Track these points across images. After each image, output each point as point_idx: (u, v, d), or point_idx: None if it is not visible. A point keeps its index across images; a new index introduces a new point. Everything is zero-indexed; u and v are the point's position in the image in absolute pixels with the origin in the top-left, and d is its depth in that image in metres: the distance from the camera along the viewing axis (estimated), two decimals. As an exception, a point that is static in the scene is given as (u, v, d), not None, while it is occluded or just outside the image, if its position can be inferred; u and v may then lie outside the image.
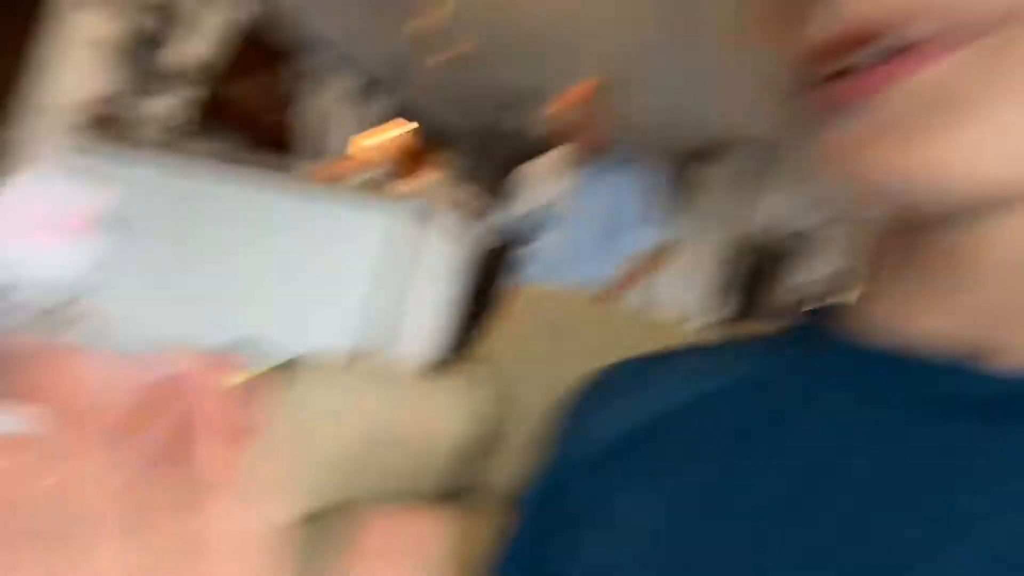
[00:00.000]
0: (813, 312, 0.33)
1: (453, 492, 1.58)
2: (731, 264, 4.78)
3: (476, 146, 5.36)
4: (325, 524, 1.15)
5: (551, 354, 1.66)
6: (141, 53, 3.25)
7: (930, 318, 0.26)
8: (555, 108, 2.49)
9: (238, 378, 0.22)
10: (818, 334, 0.31)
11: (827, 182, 0.26)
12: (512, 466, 1.56)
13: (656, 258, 2.48)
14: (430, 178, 2.93)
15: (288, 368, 1.19)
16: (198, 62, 3.55)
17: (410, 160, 3.03)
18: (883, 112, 0.23)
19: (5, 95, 3.03)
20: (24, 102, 3.04)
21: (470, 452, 1.59)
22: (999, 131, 0.22)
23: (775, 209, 4.51)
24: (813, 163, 0.26)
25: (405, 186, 2.80)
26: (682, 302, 4.42)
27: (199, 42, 3.53)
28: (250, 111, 4.29)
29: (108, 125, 2.94)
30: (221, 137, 3.61)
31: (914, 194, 0.23)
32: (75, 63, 3.04)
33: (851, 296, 0.32)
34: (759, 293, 4.71)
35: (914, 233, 0.27)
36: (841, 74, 0.24)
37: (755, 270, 4.79)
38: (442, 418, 1.55)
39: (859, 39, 0.23)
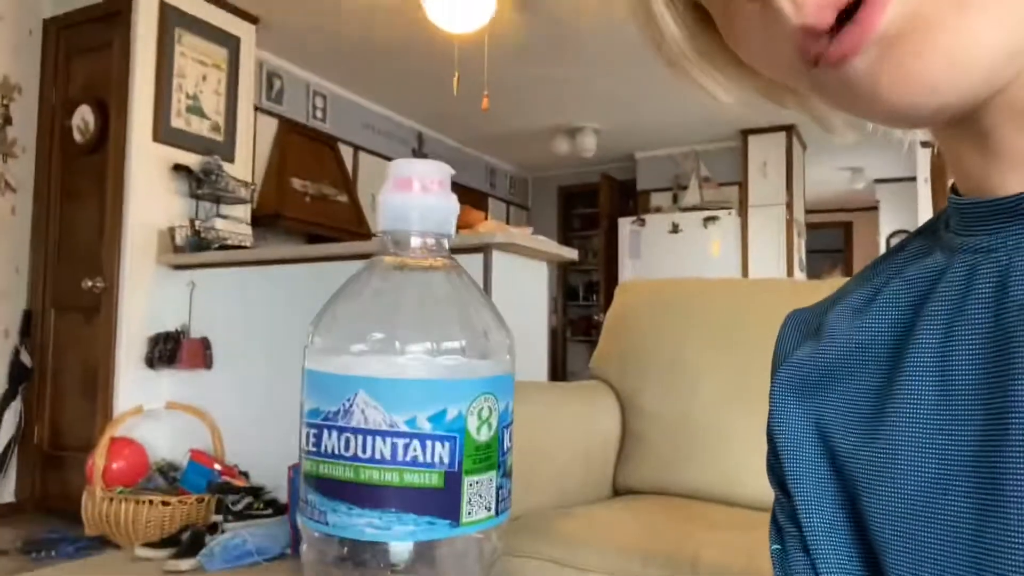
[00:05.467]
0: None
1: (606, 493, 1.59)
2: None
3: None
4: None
5: (664, 341, 1.71)
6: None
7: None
8: None
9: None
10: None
11: (875, 112, 0.29)
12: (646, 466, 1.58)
13: None
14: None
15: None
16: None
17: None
18: (894, 27, 0.26)
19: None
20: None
21: (613, 450, 1.61)
22: (1001, 13, 0.25)
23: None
24: (857, 102, 0.29)
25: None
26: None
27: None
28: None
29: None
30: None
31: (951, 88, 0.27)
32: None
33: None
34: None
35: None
36: (836, 29, 0.27)
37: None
38: (596, 420, 1.59)
39: None
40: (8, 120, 3.56)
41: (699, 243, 5.97)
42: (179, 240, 3.49)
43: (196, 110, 3.72)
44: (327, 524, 0.27)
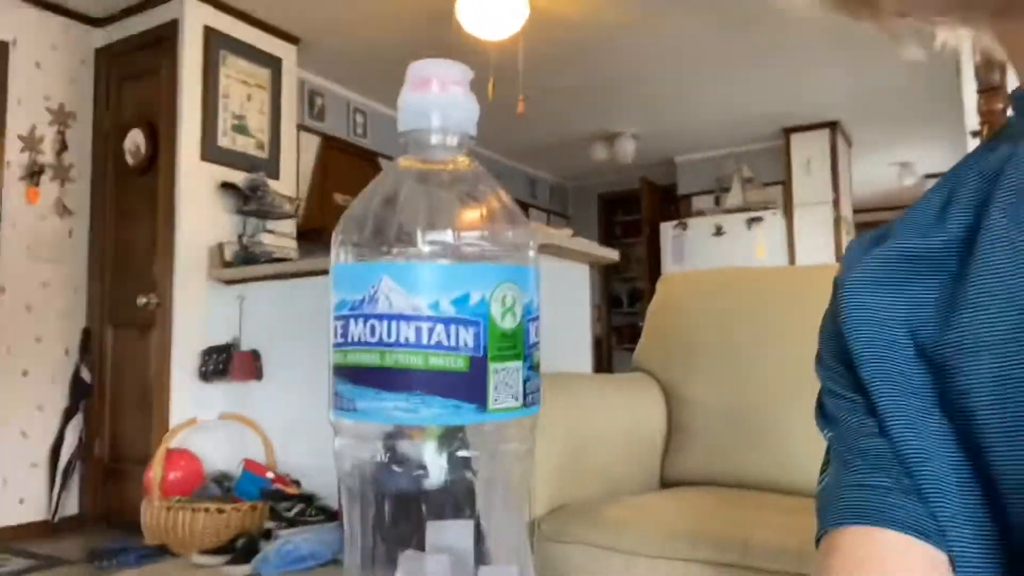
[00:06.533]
0: None
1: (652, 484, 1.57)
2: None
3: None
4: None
5: (709, 330, 1.69)
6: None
7: None
8: None
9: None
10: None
11: None
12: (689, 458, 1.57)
13: None
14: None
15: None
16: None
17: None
18: None
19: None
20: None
21: (660, 443, 1.60)
22: None
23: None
24: None
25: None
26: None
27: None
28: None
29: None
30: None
31: None
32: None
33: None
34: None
35: None
36: None
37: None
38: (642, 412, 1.58)
39: None
40: (64, 146, 3.71)
41: (744, 244, 5.88)
42: (228, 256, 3.58)
43: (241, 129, 3.82)
44: (356, 411, 0.28)
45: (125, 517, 3.35)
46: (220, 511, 2.94)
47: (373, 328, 0.27)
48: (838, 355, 0.41)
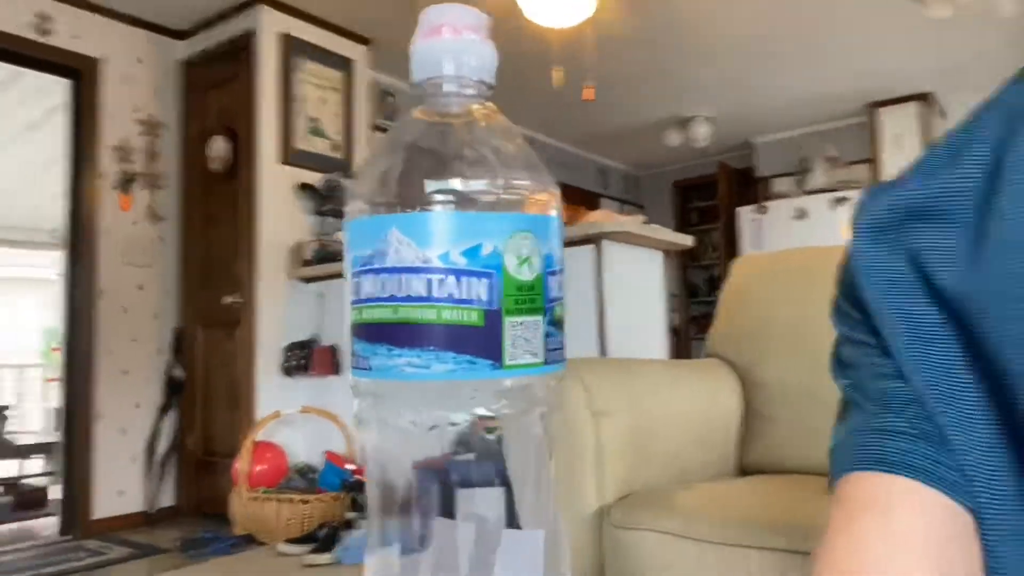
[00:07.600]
0: None
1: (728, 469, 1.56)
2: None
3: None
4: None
5: (786, 311, 1.65)
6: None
7: None
8: None
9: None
10: None
11: None
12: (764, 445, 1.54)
13: None
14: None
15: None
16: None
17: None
18: None
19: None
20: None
21: (735, 429, 1.58)
22: None
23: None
24: None
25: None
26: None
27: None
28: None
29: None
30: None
31: None
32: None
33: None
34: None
35: None
36: None
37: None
38: (716, 397, 1.56)
39: None
40: (154, 155, 3.89)
41: (828, 227, 5.64)
42: (307, 254, 3.69)
43: (317, 131, 3.92)
44: (370, 369, 0.27)
45: (216, 508, 3.50)
46: (304, 502, 3.03)
47: (384, 283, 0.26)
48: (854, 300, 0.39)
